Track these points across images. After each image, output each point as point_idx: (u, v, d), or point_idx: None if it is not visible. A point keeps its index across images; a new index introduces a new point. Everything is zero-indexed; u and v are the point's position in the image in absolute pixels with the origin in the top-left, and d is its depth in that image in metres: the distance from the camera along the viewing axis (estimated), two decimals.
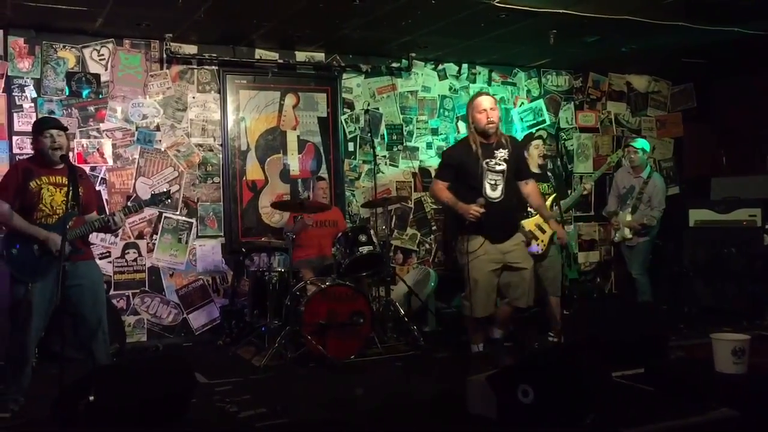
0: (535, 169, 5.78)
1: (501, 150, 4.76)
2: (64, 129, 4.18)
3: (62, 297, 3.81)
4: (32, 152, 4.35)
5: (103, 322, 4.25)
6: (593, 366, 3.74)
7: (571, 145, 8.04)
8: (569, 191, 6.00)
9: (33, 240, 4.04)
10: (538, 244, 5.70)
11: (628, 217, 6.48)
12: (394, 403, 4.18)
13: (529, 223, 5.73)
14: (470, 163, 4.71)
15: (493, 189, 4.70)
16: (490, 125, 4.68)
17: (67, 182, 4.04)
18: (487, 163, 4.71)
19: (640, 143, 6.62)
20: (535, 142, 5.87)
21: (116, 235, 6.06)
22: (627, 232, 6.47)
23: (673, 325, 5.91)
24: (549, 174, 5.92)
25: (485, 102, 4.71)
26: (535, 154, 5.80)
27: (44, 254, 4.04)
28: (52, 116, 4.33)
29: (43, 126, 4.18)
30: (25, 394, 4.09)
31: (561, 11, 5.57)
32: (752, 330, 5.65)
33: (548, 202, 5.72)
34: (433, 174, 7.29)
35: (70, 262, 4.01)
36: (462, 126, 7.48)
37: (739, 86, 7.71)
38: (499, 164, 4.74)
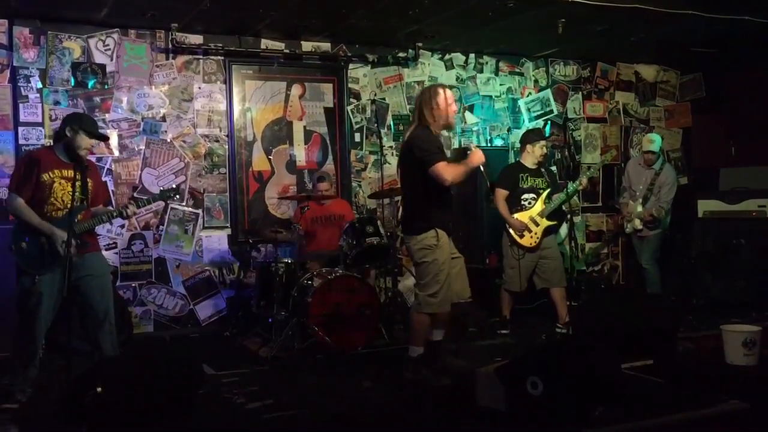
0: (532, 165, 5.82)
1: None
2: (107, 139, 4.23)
3: (70, 289, 3.81)
4: (45, 143, 4.35)
5: (109, 314, 4.25)
6: (602, 358, 3.72)
7: (579, 136, 7.99)
8: (570, 183, 5.99)
9: (41, 234, 4.03)
10: (531, 237, 5.74)
11: (639, 208, 6.47)
12: (402, 395, 4.17)
13: (523, 216, 5.76)
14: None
15: None
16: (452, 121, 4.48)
17: (78, 176, 4.05)
18: None
19: (657, 144, 6.55)
20: (543, 143, 5.85)
21: (123, 226, 6.05)
22: (638, 223, 6.45)
23: (682, 317, 5.87)
24: (542, 170, 5.90)
25: (451, 95, 4.47)
26: (538, 153, 5.81)
27: (52, 247, 4.03)
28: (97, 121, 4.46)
29: (92, 128, 4.18)
30: (33, 385, 4.09)
31: (569, 0, 5.51)
32: (761, 321, 5.60)
33: (542, 197, 5.77)
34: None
35: (78, 255, 4.01)
36: (469, 116, 7.44)
37: (749, 76, 7.63)
38: None
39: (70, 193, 4.07)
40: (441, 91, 4.40)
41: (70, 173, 4.11)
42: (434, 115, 4.35)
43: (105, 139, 4.29)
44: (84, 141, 4.11)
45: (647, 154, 6.56)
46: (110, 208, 4.53)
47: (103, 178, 5.95)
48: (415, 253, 4.39)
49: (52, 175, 4.09)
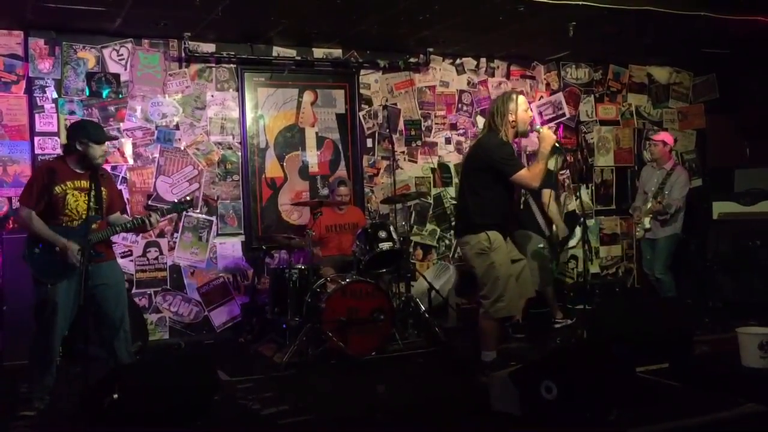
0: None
1: None
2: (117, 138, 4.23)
3: (86, 297, 3.84)
4: (60, 152, 4.36)
5: (125, 321, 4.28)
6: (617, 361, 3.70)
7: (592, 138, 7.96)
8: (587, 185, 6.08)
9: (54, 244, 4.06)
10: None
11: (649, 205, 6.39)
12: (416, 400, 4.17)
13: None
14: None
15: None
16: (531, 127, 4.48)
17: (90, 186, 4.09)
18: None
19: (661, 135, 6.58)
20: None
21: (136, 234, 6.09)
22: (647, 222, 6.37)
23: (698, 320, 5.84)
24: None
25: (525, 100, 4.44)
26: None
27: (65, 257, 4.07)
28: (101, 125, 4.50)
29: (99, 136, 4.18)
30: (50, 392, 4.12)
31: (580, 3, 5.50)
32: None
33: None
34: (453, 168, 7.30)
35: (92, 264, 4.05)
36: (481, 120, 7.44)
37: (763, 76, 7.58)
38: None
39: (85, 203, 4.10)
40: (514, 97, 4.37)
41: (83, 183, 4.14)
42: (506, 122, 4.34)
43: (114, 138, 4.29)
44: (97, 150, 4.13)
45: (651, 141, 6.57)
46: (126, 217, 4.54)
47: (118, 187, 6.00)
48: (471, 260, 4.39)
49: (64, 187, 4.10)
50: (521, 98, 4.38)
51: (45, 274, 4.07)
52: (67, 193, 4.11)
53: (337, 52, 6.86)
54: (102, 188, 4.18)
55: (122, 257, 6.02)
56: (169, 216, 6.13)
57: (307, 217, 6.40)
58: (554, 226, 6.07)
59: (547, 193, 5.87)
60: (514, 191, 4.55)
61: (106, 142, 4.20)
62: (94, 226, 4.10)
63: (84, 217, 4.09)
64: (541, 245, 5.98)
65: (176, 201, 4.55)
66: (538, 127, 4.41)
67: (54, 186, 4.08)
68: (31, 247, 4.09)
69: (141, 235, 6.12)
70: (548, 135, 4.32)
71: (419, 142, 7.22)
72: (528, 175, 4.27)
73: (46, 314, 4.04)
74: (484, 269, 4.32)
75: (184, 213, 6.25)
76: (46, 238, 4.05)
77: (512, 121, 4.33)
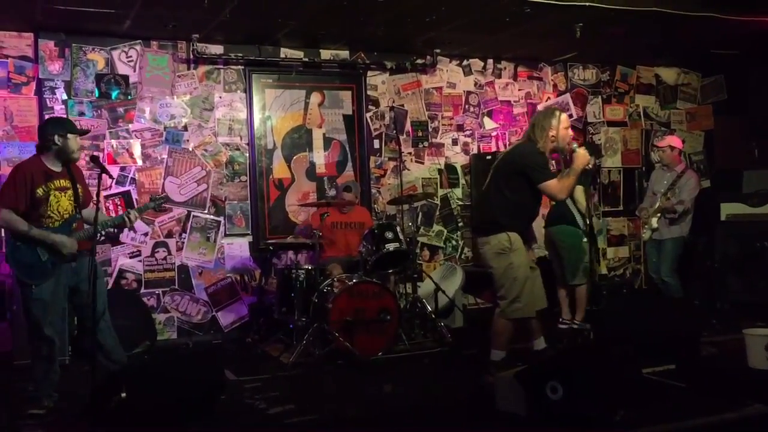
0: None
1: None
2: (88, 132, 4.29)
3: (70, 292, 3.85)
4: (37, 151, 4.27)
5: (105, 313, 4.24)
6: (623, 362, 3.71)
7: (599, 140, 7.95)
8: (593, 187, 6.07)
9: (41, 245, 4.03)
10: None
11: (657, 204, 6.36)
12: (422, 400, 4.18)
13: None
14: None
15: None
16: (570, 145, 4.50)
17: (69, 185, 4.13)
18: None
19: (666, 141, 6.54)
20: None
21: (146, 234, 6.14)
22: (654, 222, 6.33)
23: (705, 321, 5.81)
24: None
25: (567, 118, 4.53)
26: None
27: (50, 256, 4.05)
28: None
29: (74, 127, 4.23)
30: (58, 390, 4.14)
31: (587, 4, 5.50)
32: None
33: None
34: (459, 169, 7.31)
35: (74, 262, 4.09)
36: (488, 122, 7.45)
37: None
38: None
39: (67, 201, 4.11)
40: (557, 114, 4.45)
41: (63, 183, 4.13)
42: (544, 136, 4.39)
43: (86, 132, 4.38)
44: (74, 143, 4.15)
45: (658, 148, 6.55)
46: (102, 214, 4.54)
47: (127, 187, 6.08)
48: (490, 259, 4.39)
49: (46, 189, 4.06)
50: (563, 116, 4.46)
51: (28, 275, 4.05)
52: (50, 194, 4.07)
53: (344, 54, 6.89)
54: (77, 185, 4.20)
55: (131, 257, 6.08)
56: (177, 211, 6.22)
57: (312, 215, 6.41)
58: (586, 220, 6.06)
59: (578, 189, 5.87)
60: (540, 202, 4.55)
61: (79, 138, 4.23)
62: (74, 225, 4.12)
63: (66, 217, 4.11)
64: (585, 239, 5.98)
65: (152, 197, 4.64)
66: (575, 146, 4.45)
67: (36, 188, 4.04)
68: (12, 248, 4.07)
69: (149, 235, 6.16)
70: (583, 155, 4.37)
71: (426, 143, 7.23)
72: (557, 186, 4.30)
73: (35, 314, 4.04)
74: (502, 270, 4.34)
75: (192, 214, 6.30)
76: (31, 237, 4.01)
77: (552, 136, 4.39)
